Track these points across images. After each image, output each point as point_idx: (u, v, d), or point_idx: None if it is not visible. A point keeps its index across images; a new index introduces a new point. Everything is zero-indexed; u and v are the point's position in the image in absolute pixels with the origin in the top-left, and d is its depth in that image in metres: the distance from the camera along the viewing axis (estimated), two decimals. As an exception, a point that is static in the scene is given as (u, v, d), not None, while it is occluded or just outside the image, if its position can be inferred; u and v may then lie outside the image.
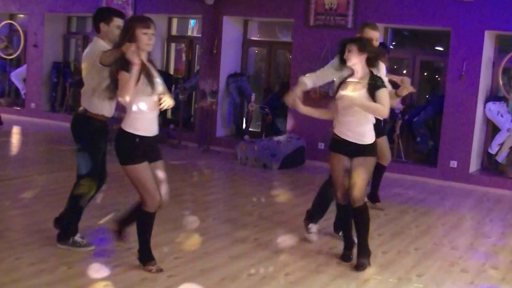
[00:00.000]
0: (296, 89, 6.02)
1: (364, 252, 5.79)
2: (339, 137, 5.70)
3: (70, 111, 15.04)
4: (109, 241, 5.99)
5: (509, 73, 10.90)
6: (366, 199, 6.46)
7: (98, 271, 5.25)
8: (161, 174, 5.18)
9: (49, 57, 15.23)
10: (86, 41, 14.98)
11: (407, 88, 6.02)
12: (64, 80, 15.21)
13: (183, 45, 13.83)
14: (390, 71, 8.06)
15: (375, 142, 5.77)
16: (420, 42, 11.94)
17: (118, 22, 5.62)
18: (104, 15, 5.70)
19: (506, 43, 10.72)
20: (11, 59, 15.94)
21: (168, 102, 5.11)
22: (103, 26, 5.65)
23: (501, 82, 10.21)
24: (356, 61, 5.59)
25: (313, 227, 6.46)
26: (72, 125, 5.76)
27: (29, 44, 15.30)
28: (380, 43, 7.84)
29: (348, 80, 5.69)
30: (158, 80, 5.17)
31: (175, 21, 14.07)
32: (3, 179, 8.60)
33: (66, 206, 5.89)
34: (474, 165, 10.52)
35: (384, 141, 7.77)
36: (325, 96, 11.05)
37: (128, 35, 4.96)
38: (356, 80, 5.62)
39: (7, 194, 7.77)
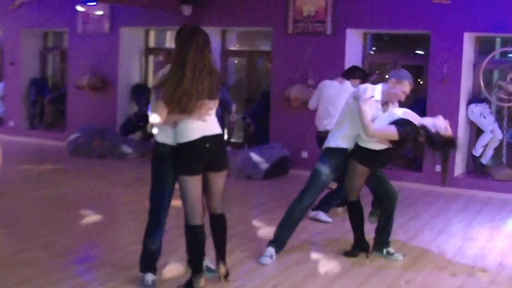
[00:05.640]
0: None
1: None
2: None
3: (49, 128, 14.88)
4: (94, 258, 5.90)
5: (491, 74, 10.90)
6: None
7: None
8: None
9: (27, 73, 15.03)
10: (63, 56, 14.84)
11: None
12: (43, 96, 15.01)
13: (161, 57, 13.72)
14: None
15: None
16: (400, 46, 11.91)
17: None
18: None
19: (486, 44, 10.71)
20: (-12, 78, 15.74)
21: None
22: None
23: (482, 84, 10.18)
24: None
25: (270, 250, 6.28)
26: None
27: (6, 61, 15.12)
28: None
29: None
30: None
31: (152, 33, 13.99)
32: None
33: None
34: (459, 168, 10.46)
35: None
36: (306, 104, 10.99)
37: None
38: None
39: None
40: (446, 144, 5.88)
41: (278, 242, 6.24)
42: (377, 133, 5.85)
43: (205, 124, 4.94)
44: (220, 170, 5.15)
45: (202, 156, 4.95)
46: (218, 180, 5.18)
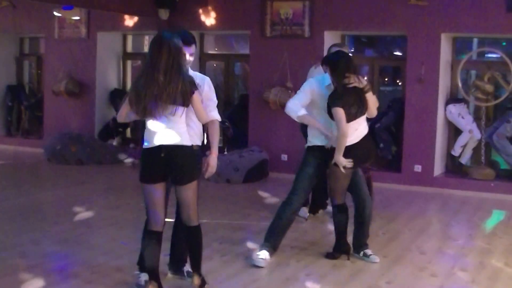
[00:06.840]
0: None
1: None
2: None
3: (26, 135, 14.72)
4: (72, 266, 5.87)
5: (468, 74, 10.95)
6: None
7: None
8: None
9: (3, 80, 14.88)
10: (40, 61, 14.70)
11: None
12: (19, 103, 14.86)
13: (139, 62, 13.64)
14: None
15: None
16: (378, 47, 11.95)
17: None
18: None
19: (462, 44, 10.76)
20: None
21: None
22: None
23: (460, 84, 10.22)
24: None
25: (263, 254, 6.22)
26: None
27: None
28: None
29: None
30: None
31: (130, 38, 13.90)
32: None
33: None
34: (438, 168, 10.50)
35: None
36: (284, 106, 10.96)
37: None
38: None
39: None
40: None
41: (271, 246, 6.21)
42: (343, 127, 5.86)
43: (166, 132, 4.76)
44: (180, 184, 4.86)
45: (155, 165, 4.78)
46: (182, 192, 4.88)
